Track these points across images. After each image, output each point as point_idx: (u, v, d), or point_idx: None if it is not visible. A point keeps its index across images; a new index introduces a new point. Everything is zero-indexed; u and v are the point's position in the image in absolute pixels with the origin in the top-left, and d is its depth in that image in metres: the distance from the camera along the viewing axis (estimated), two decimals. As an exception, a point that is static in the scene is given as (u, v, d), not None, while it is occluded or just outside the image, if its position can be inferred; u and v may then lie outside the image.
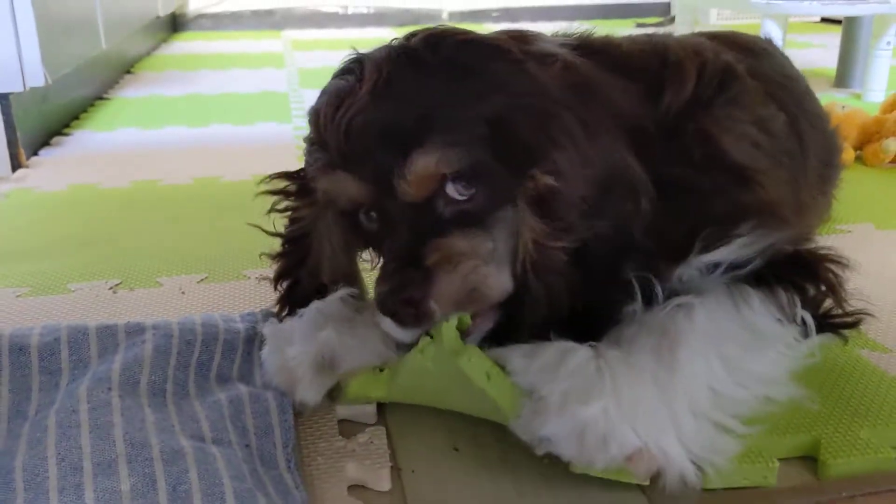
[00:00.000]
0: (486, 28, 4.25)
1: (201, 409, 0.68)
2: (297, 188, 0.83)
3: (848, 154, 1.57)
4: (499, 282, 0.72)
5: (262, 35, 4.03)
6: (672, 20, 4.18)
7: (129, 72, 2.83)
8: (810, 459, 0.71)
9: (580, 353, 0.69)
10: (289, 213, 0.84)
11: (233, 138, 1.90)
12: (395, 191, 0.70)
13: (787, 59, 1.15)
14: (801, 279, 0.77)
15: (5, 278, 1.11)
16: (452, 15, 4.50)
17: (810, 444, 0.72)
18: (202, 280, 1.10)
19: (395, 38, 0.76)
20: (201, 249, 1.20)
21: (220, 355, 0.76)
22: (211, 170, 1.62)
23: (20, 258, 1.19)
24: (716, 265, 0.76)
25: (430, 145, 0.68)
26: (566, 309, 0.71)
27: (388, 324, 0.71)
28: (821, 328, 0.79)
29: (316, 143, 0.75)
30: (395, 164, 0.69)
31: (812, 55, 3.07)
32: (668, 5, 4.56)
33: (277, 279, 0.86)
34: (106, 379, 0.69)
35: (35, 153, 1.77)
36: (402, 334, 0.72)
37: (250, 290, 1.06)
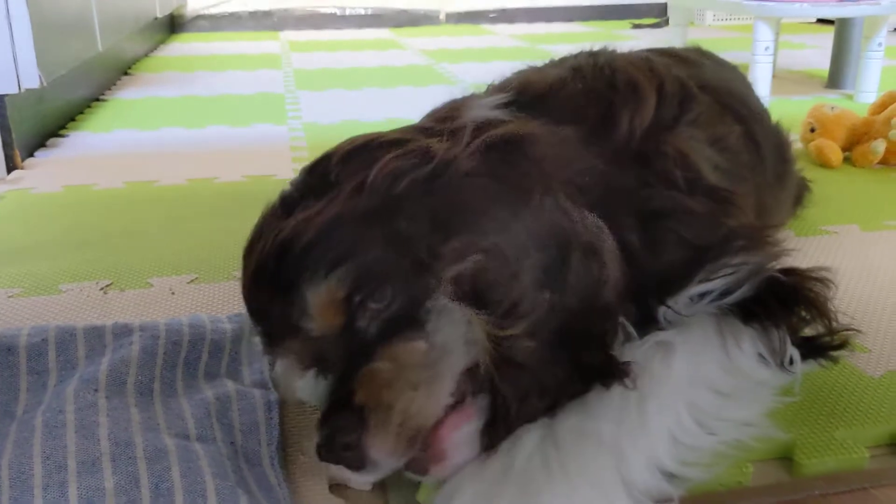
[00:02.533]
0: (483, 28, 4.26)
1: (188, 406, 0.70)
2: None
3: (836, 155, 1.59)
4: (434, 404, 0.63)
5: (260, 36, 4.05)
6: (668, 21, 4.18)
7: (126, 73, 2.84)
8: (787, 459, 0.72)
9: (528, 444, 0.64)
10: None
11: (228, 140, 1.91)
12: (313, 336, 0.64)
13: (721, 62, 1.14)
14: (790, 304, 0.76)
15: (-2, 279, 1.12)
16: (449, 16, 4.51)
17: (786, 445, 0.73)
18: (192, 281, 1.11)
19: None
20: (193, 250, 1.22)
21: (208, 354, 0.78)
22: (206, 171, 1.64)
23: (13, 259, 1.20)
24: (703, 294, 0.74)
25: (315, 273, 0.63)
26: (548, 398, 0.66)
27: (344, 472, 0.65)
28: (808, 354, 0.78)
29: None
30: (295, 307, 0.64)
31: (806, 56, 3.09)
32: (665, 6, 4.57)
33: None
34: (93, 380, 0.70)
35: (31, 155, 1.78)
36: (359, 479, 0.66)
37: (239, 292, 1.07)
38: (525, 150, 0.70)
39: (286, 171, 1.62)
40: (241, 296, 1.04)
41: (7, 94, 1.65)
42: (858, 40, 2.26)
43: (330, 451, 0.61)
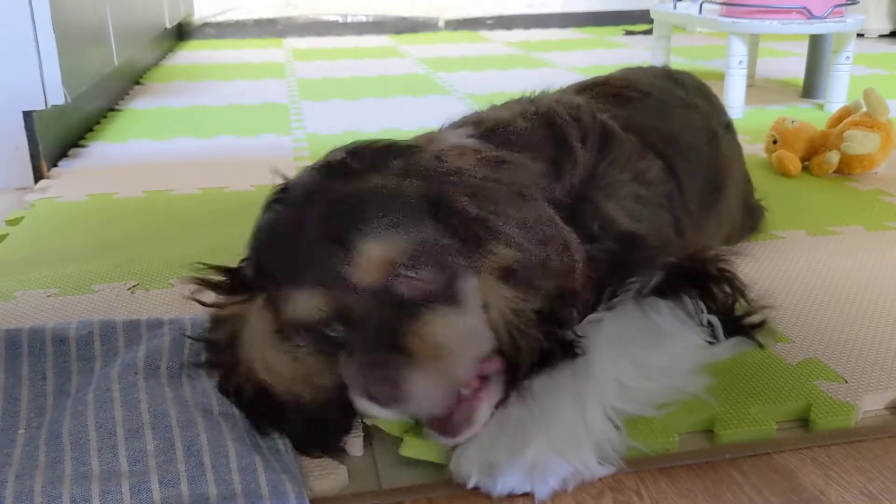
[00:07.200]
0: (480, 35, 4.39)
1: (210, 387, 0.84)
2: (231, 285, 0.84)
3: (795, 165, 1.73)
4: (470, 368, 0.75)
5: (264, 43, 4.19)
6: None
7: (137, 83, 2.98)
8: (708, 431, 0.86)
9: (514, 403, 0.77)
10: (214, 308, 0.84)
11: (236, 150, 2.06)
12: (350, 286, 0.72)
13: (670, 83, 1.23)
14: (699, 281, 0.92)
15: (37, 280, 1.27)
16: (448, 23, 4.65)
17: (708, 419, 0.87)
18: (209, 282, 1.25)
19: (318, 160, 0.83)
20: (209, 254, 1.35)
21: (225, 345, 0.92)
22: (217, 181, 1.78)
23: (48, 262, 1.34)
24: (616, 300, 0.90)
25: (373, 231, 0.72)
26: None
27: (366, 404, 0.73)
28: (733, 331, 0.93)
29: (261, 271, 0.80)
30: (343, 258, 0.71)
31: (788, 64, 3.22)
32: (657, 13, 4.70)
33: (224, 391, 0.83)
34: (132, 365, 0.85)
35: (54, 165, 1.92)
36: (382, 412, 0.73)
37: (251, 291, 1.22)
38: (516, 165, 0.86)
39: (291, 181, 1.76)
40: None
41: (35, 111, 1.80)
42: (829, 53, 2.40)
43: (365, 381, 0.68)
